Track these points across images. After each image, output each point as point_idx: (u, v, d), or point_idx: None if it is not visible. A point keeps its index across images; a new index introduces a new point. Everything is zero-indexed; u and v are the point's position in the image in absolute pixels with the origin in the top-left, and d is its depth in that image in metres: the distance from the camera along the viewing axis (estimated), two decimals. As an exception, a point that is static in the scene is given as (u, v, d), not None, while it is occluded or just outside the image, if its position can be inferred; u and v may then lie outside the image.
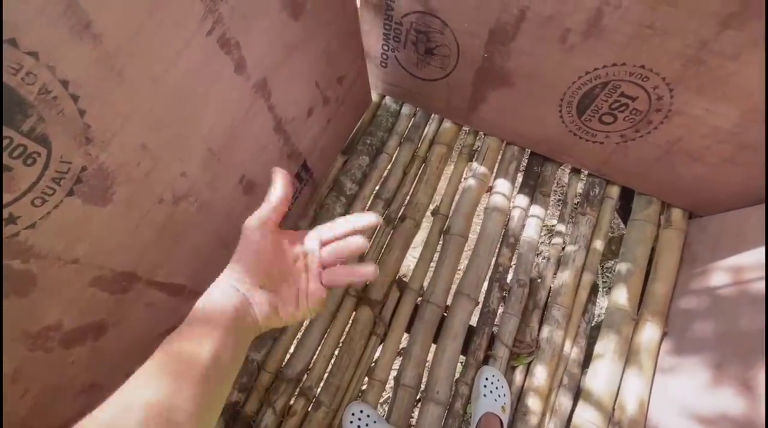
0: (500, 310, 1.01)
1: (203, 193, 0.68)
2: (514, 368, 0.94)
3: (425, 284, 1.04)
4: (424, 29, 0.97)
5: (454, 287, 1.03)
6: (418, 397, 0.93)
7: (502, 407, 0.84)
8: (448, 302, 1.01)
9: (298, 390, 0.94)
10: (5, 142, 0.38)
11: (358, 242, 0.45)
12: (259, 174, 0.84)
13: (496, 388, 0.87)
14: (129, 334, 0.66)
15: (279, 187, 0.44)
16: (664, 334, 0.94)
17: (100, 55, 0.43)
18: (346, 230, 0.45)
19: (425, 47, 1.02)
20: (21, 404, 0.52)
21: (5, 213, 0.41)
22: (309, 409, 0.92)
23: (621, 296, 0.97)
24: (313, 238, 0.46)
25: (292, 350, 0.98)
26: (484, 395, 0.85)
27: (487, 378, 0.88)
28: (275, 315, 0.41)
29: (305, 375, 0.96)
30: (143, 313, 0.67)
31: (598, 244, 1.05)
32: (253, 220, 0.43)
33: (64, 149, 0.44)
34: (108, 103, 0.46)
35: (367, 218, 0.45)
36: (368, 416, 0.85)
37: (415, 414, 0.93)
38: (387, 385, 0.97)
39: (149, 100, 0.51)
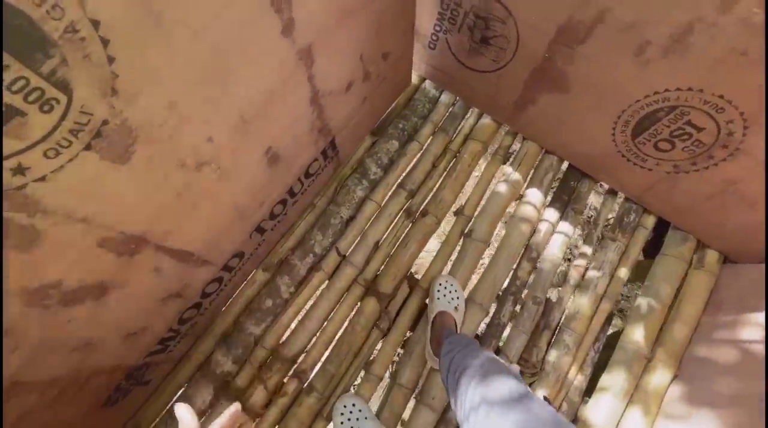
0: (510, 325, 0.97)
1: (227, 160, 0.63)
2: (513, 385, 0.92)
3: (437, 285, 1.00)
4: (484, 15, 0.89)
5: (465, 293, 0.99)
6: (412, 397, 0.91)
7: (455, 307, 0.90)
8: (458, 307, 0.98)
9: (292, 371, 0.92)
10: (20, 82, 0.33)
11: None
12: (286, 147, 0.78)
13: (449, 292, 0.92)
14: (130, 297, 0.63)
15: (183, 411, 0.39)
16: (675, 376, 0.91)
17: (139, -4, 0.37)
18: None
19: (481, 35, 0.94)
20: (11, 358, 0.50)
21: (13, 162, 0.36)
22: (300, 392, 0.91)
23: (637, 332, 0.93)
24: None
25: (292, 328, 0.96)
26: (438, 298, 0.90)
27: (440, 284, 0.92)
28: None
29: (301, 357, 0.94)
30: (148, 277, 0.64)
31: (623, 273, 1.00)
32: None
33: (87, 98, 0.38)
34: (141, 51, 0.41)
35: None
36: (360, 411, 0.83)
37: (406, 413, 0.92)
38: (383, 381, 0.95)
39: (186, 53, 0.46)
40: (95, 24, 0.35)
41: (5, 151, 0.35)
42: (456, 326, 0.88)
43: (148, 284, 0.65)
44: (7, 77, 0.32)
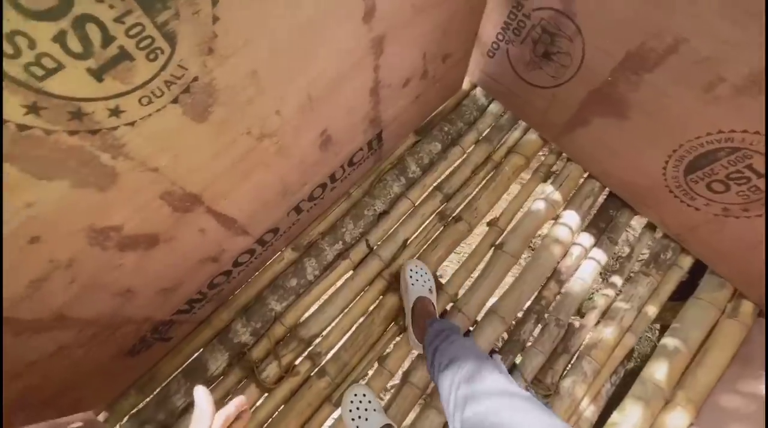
0: (529, 343, 0.96)
1: (287, 135, 0.65)
2: (523, 404, 0.91)
3: (461, 292, 1.00)
4: (552, 30, 0.88)
5: (488, 304, 0.98)
6: (421, 398, 0.91)
7: (429, 289, 0.92)
8: (479, 317, 0.97)
9: (307, 352, 0.93)
10: (137, 28, 0.35)
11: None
12: (339, 132, 0.79)
13: (421, 276, 0.93)
14: (175, 253, 0.65)
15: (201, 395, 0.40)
16: (691, 425, 0.88)
17: (253, -38, 0.38)
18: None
19: (545, 49, 0.93)
20: (65, 291, 0.52)
21: (112, 103, 0.38)
22: (312, 374, 0.92)
23: (660, 371, 0.90)
24: None
25: (312, 311, 0.97)
26: (412, 284, 0.91)
27: (411, 269, 0.93)
28: None
29: (318, 340, 0.95)
30: (193, 237, 0.66)
31: (651, 310, 0.98)
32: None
33: (187, 53, 0.40)
34: (241, 15, 0.42)
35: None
36: (369, 402, 0.84)
37: (413, 413, 0.91)
38: (394, 377, 0.95)
39: (276, 24, 0.47)
40: (211, -18, 0.37)
41: (110, 92, 0.37)
42: (434, 308, 0.90)
43: (192, 243, 0.67)
44: (128, 22, 0.34)
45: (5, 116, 0.32)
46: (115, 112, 0.39)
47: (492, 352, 0.93)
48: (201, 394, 0.40)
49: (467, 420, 0.51)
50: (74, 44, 0.32)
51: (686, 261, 1.02)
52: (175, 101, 0.43)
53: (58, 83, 0.33)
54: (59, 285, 0.50)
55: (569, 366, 0.94)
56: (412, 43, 0.77)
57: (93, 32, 0.33)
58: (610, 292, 1.01)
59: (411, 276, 0.92)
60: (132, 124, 0.41)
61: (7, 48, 0.29)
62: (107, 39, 0.34)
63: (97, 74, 0.35)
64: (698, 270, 1.03)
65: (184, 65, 0.41)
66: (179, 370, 0.91)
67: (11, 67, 0.30)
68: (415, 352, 0.94)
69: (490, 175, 1.11)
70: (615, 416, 0.89)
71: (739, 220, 0.87)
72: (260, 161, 0.64)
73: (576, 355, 0.95)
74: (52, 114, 0.35)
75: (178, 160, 0.51)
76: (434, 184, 1.09)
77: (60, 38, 0.31)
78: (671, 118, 0.82)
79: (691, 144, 0.82)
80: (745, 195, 0.82)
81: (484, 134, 1.15)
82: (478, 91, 1.19)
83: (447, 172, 1.11)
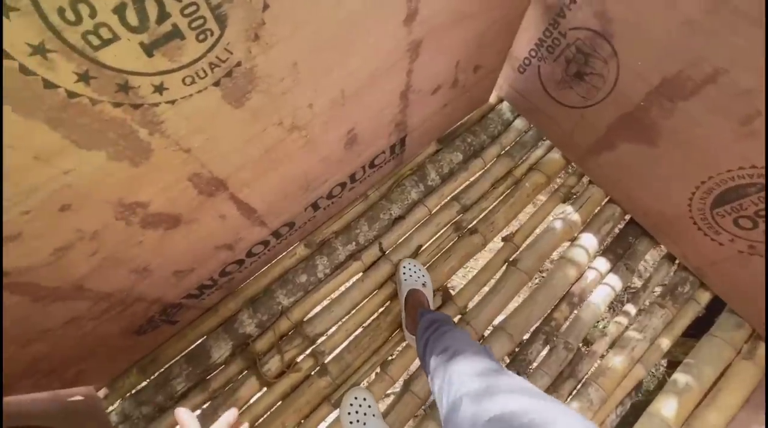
0: (535, 364, 0.94)
1: (316, 130, 0.65)
2: None
3: (470, 305, 0.99)
4: (587, 50, 0.88)
5: (497, 321, 0.97)
6: (421, 409, 0.90)
7: (423, 284, 0.91)
8: (486, 332, 0.96)
9: (310, 350, 0.93)
10: (192, 8, 0.35)
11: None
12: (365, 132, 0.79)
13: (414, 272, 0.93)
14: (194, 236, 0.65)
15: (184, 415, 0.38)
16: (697, 466, 0.85)
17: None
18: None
19: (577, 69, 0.93)
20: (87, 262, 0.52)
21: (158, 79, 0.39)
22: (313, 372, 0.91)
23: (669, 408, 0.88)
24: None
25: (319, 309, 0.97)
26: (405, 279, 0.92)
27: (405, 266, 0.94)
28: None
29: (322, 339, 0.94)
30: (214, 221, 0.66)
31: (664, 343, 0.95)
32: None
33: (234, 37, 0.40)
34: (290, 4, 0.42)
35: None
36: (369, 407, 0.82)
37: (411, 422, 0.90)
38: (396, 385, 0.93)
39: (322, 18, 0.47)
40: (269, -31, 0.37)
41: (158, 68, 0.37)
42: (428, 302, 0.90)
43: (211, 228, 0.67)
44: (184, 0, 0.34)
45: (57, 82, 0.33)
46: (159, 89, 0.39)
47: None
48: (183, 413, 0.37)
49: (487, 420, 0.45)
50: (132, 17, 0.33)
51: (704, 297, 0.99)
52: (216, 84, 0.44)
53: (111, 54, 0.34)
54: (82, 255, 0.51)
55: (574, 391, 0.91)
56: (448, 50, 0.77)
57: (151, 7, 0.33)
58: (623, 320, 0.98)
59: (404, 273, 0.94)
60: (173, 102, 0.42)
61: (69, 15, 0.30)
62: (163, 15, 0.34)
63: (149, 49, 0.36)
64: (716, 307, 1.00)
65: (230, 49, 0.41)
66: (182, 354, 0.91)
67: (70, 34, 0.31)
68: (419, 362, 0.93)
69: (509, 191, 1.10)
70: (619, 448, 0.86)
71: (764, 259, 0.84)
72: (287, 153, 0.65)
73: (582, 382, 0.92)
74: (101, 84, 0.35)
75: (211, 143, 0.51)
76: (452, 194, 1.09)
77: (120, 10, 0.32)
78: (702, 149, 0.80)
79: (721, 177, 0.81)
80: (773, 234, 0.80)
81: (506, 149, 1.15)
82: (505, 105, 1.19)
83: (466, 184, 1.10)
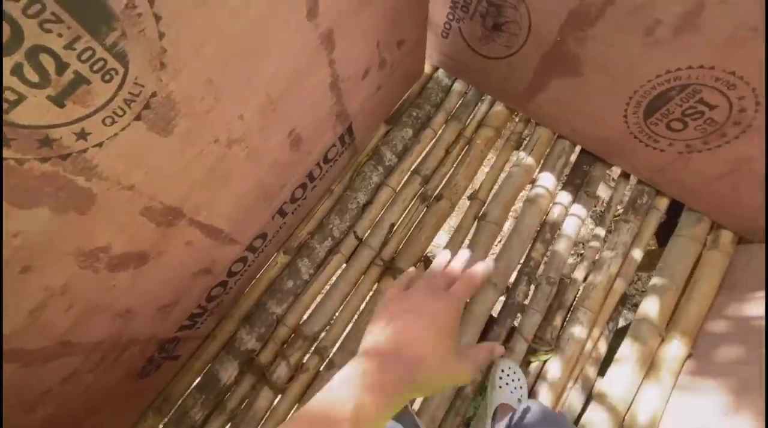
0: (525, 304, 0.99)
1: (254, 139, 0.67)
2: (529, 362, 0.94)
3: (452, 266, 1.03)
4: (497, 2, 0.92)
5: (480, 274, 1.01)
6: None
7: (518, 399, 0.84)
8: (473, 288, 1.00)
9: (313, 348, 0.96)
10: (88, 53, 0.37)
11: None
12: (307, 130, 0.82)
13: (512, 380, 0.87)
14: (166, 268, 0.67)
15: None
16: (689, 356, 0.92)
17: (187, -25, 0.41)
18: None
19: (494, 22, 0.96)
20: (65, 317, 0.54)
21: (78, 127, 0.40)
22: (321, 368, 0.94)
23: (652, 309, 0.94)
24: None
25: (312, 308, 1.00)
26: (500, 386, 0.86)
27: (503, 370, 0.88)
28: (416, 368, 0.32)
29: (322, 335, 0.97)
30: (182, 250, 0.68)
31: (636, 254, 1.02)
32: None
33: (140, 71, 0.42)
34: (186, 28, 0.44)
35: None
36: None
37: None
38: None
39: (223, 32, 0.49)
40: (150, 1, 0.39)
41: (73, 117, 0.39)
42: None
43: (181, 257, 0.69)
44: (78, 47, 0.36)
45: (-23, 151, 0.35)
46: (82, 135, 0.41)
47: (511, 330, 0.92)
48: None
49: None
50: (31, 75, 0.34)
51: (662, 203, 1.06)
52: (138, 118, 0.46)
53: (22, 114, 0.36)
54: (58, 311, 0.52)
55: (567, 319, 0.97)
56: (363, 34, 0.80)
57: (47, 61, 0.35)
58: (595, 244, 1.04)
59: (501, 378, 0.87)
60: (100, 145, 0.44)
61: (-31, 86, 0.32)
62: (61, 66, 0.36)
63: (58, 100, 0.37)
64: (676, 209, 1.07)
65: (140, 82, 0.43)
66: (193, 386, 0.93)
67: (-25, 104, 0.33)
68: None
69: (464, 151, 1.14)
70: (616, 357, 0.92)
71: (702, 154, 0.90)
72: (234, 168, 0.67)
73: (571, 309, 0.98)
74: (22, 144, 0.37)
75: (152, 175, 0.53)
76: (411, 169, 1.12)
77: (17, 71, 0.33)
78: (621, 67, 0.85)
79: (644, 88, 0.86)
80: (702, 129, 0.86)
81: (452, 113, 1.18)
82: (441, 72, 1.22)
83: (422, 156, 1.14)
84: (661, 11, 0.72)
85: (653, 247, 1.21)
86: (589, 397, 0.91)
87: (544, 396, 0.88)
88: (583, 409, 0.89)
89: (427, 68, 1.22)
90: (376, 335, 0.35)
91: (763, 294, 0.87)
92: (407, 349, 0.33)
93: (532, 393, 0.90)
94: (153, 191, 0.55)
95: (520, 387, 0.86)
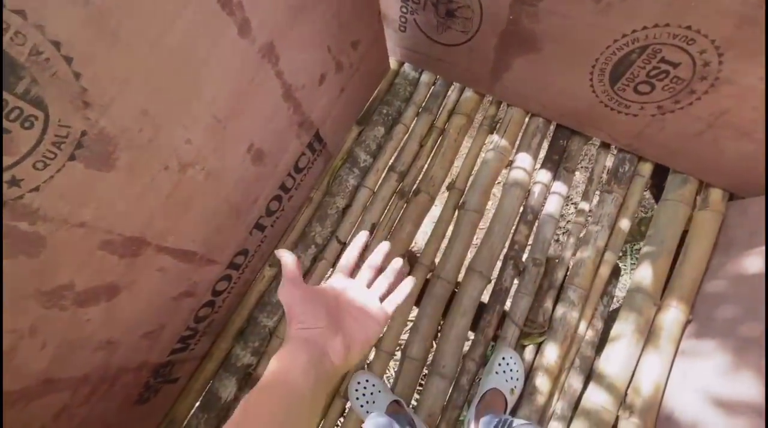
0: (513, 289, 0.98)
1: (210, 160, 0.68)
2: (524, 346, 0.93)
3: (437, 259, 1.03)
4: (444, -12, 0.90)
5: (466, 263, 1.01)
6: (424, 370, 0.94)
7: (512, 389, 0.84)
8: (460, 278, 1.00)
9: (307, 356, 0.96)
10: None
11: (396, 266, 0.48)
12: (268, 143, 0.82)
13: (510, 369, 0.86)
14: (142, 296, 0.69)
15: (287, 255, 0.44)
16: (689, 322, 0.89)
17: (92, 14, 0.42)
18: (356, 255, 0.49)
19: (446, 9, 0.95)
20: (40, 356, 0.56)
21: (7, 175, 0.42)
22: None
23: (645, 279, 0.92)
24: (339, 277, 0.47)
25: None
26: (496, 372, 0.85)
27: (503, 358, 0.87)
28: (350, 352, 0.38)
29: (315, 343, 0.98)
30: (155, 277, 0.70)
31: (624, 224, 0.99)
32: (283, 284, 0.42)
33: (62, 113, 0.43)
34: (104, 65, 0.45)
35: (361, 238, 0.50)
36: (373, 385, 0.87)
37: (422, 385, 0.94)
38: (394, 357, 0.98)
39: (147, 63, 0.50)
40: (56, 45, 0.40)
41: (-3, 166, 0.41)
42: (506, 408, 0.82)
43: (156, 284, 0.71)
44: (-13, 100, 0.37)
45: None
46: (14, 182, 0.43)
47: (503, 315, 0.91)
48: (284, 254, 0.43)
49: None
50: (-57, 133, 0.36)
51: (646, 168, 1.03)
52: (72, 158, 0.47)
53: (-57, 171, 0.37)
54: (32, 351, 0.54)
55: (558, 299, 0.95)
56: (309, 40, 0.80)
57: (-43, 118, 0.36)
58: (581, 219, 1.02)
59: (499, 365, 0.86)
60: (36, 189, 0.45)
61: None
62: (-26, 120, 0.37)
63: (-21, 153, 0.39)
64: (662, 173, 1.04)
65: (66, 124, 0.44)
66: (195, 407, 0.95)
67: None
68: (408, 325, 0.97)
69: (438, 142, 1.13)
70: (612, 333, 0.90)
71: (675, 114, 0.87)
72: (193, 190, 0.68)
73: (561, 288, 0.96)
74: (-48, 199, 0.39)
75: (103, 210, 0.54)
76: (387, 167, 1.12)
77: (-73, 132, 0.35)
78: (577, 37, 0.83)
79: (604, 55, 0.84)
80: (670, 88, 0.83)
81: (422, 105, 1.17)
82: (406, 66, 1.21)
83: (396, 152, 1.13)
84: (604, -25, 0.70)
85: (646, 215, 1.18)
86: (589, 377, 0.89)
87: (541, 381, 0.87)
88: (584, 390, 0.88)
89: (393, 64, 1.21)
90: (310, 326, 0.38)
91: (761, 248, 0.84)
92: (335, 354, 0.37)
93: (528, 379, 0.88)
94: (108, 225, 0.56)
95: (516, 379, 0.85)
